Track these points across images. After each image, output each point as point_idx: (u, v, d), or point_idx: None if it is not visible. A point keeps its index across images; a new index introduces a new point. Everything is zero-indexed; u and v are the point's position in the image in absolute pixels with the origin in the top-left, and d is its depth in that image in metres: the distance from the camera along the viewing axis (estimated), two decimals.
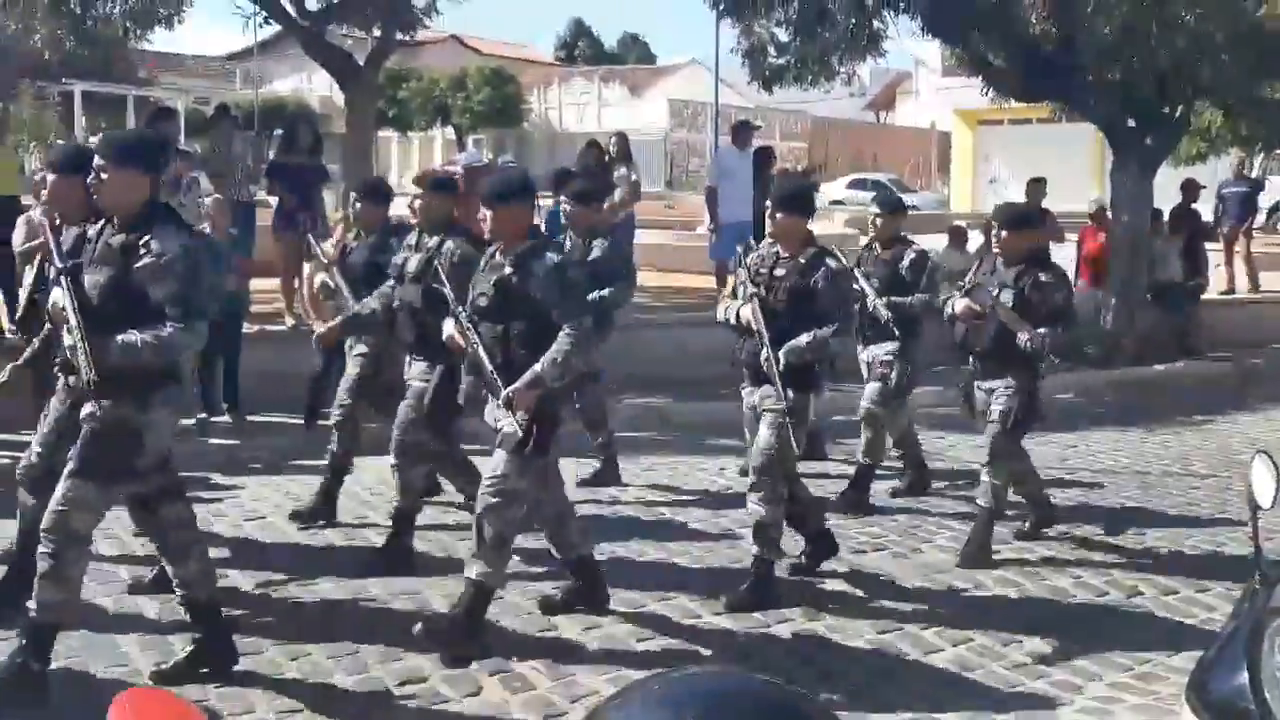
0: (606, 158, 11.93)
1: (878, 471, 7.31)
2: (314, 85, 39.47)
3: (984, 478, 6.24)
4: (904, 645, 5.08)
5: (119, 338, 4.17)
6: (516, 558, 5.38)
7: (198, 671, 4.52)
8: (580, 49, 61.67)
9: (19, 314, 5.74)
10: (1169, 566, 6.19)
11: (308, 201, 10.71)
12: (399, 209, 7.12)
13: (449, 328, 5.09)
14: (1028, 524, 6.61)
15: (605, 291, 6.93)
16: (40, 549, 4.30)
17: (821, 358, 5.46)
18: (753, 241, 6.14)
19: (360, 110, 13.54)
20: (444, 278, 5.25)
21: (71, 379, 4.44)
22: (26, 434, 5.49)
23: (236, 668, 4.61)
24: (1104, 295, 12.84)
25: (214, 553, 6.07)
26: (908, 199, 33.25)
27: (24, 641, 4.32)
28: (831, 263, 5.52)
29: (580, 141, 14.44)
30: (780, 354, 5.31)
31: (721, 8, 13.28)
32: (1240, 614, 3.20)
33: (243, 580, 5.65)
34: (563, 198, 7.58)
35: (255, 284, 9.28)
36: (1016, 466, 6.36)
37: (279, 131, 12.61)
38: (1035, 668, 4.88)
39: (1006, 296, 6.15)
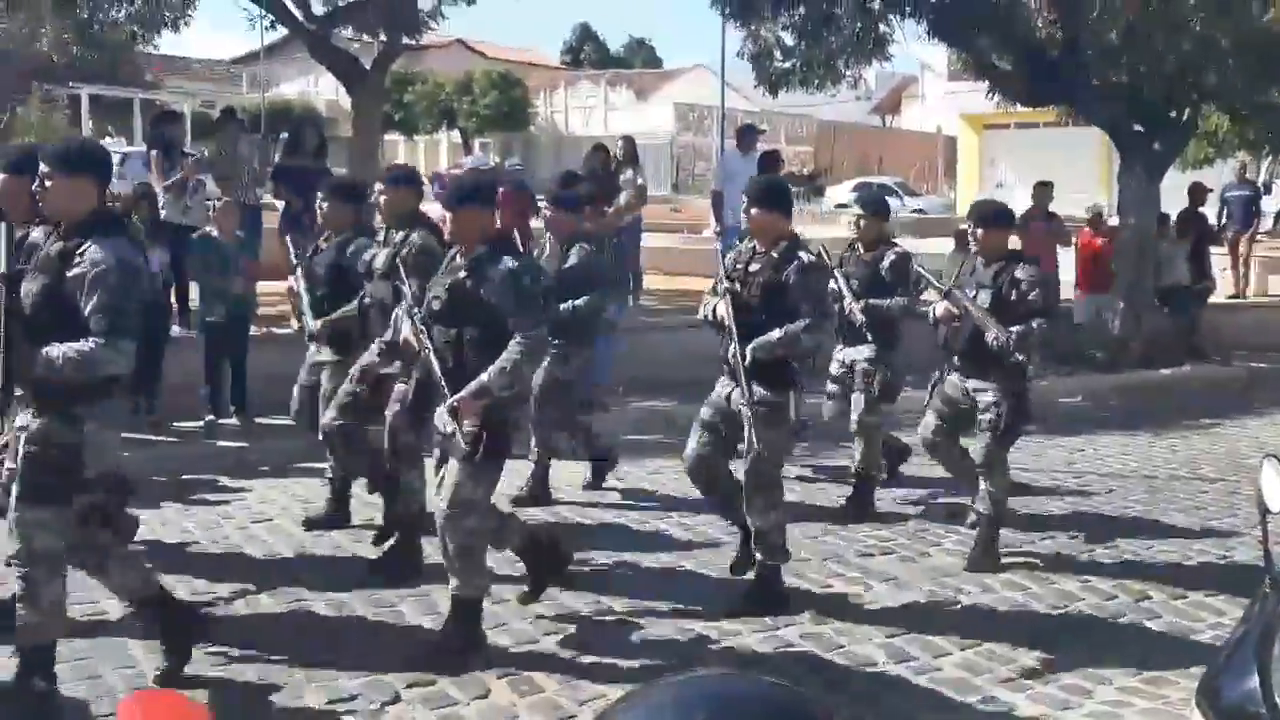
0: (613, 162, 11.95)
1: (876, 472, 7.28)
2: (320, 89, 39.62)
3: (982, 486, 6.23)
4: (912, 649, 5.07)
5: (44, 350, 3.99)
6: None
7: (185, 662, 4.51)
8: (586, 53, 61.76)
9: None
10: (1177, 571, 6.18)
11: (312, 205, 10.69)
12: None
13: (405, 329, 5.02)
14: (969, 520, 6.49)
15: (579, 301, 6.77)
16: (14, 574, 4.19)
17: (794, 354, 5.33)
18: (737, 240, 6.07)
19: (366, 114, 13.57)
20: (403, 275, 5.21)
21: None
22: None
23: (244, 671, 4.60)
24: (1109, 299, 12.84)
25: (221, 554, 6.14)
26: (914, 203, 33.57)
27: (22, 662, 4.22)
28: (805, 256, 5.38)
29: (587, 145, 14.44)
30: (749, 349, 5.21)
31: (727, 12, 13.31)
32: (1250, 618, 3.18)
33: (250, 582, 5.65)
34: (542, 202, 7.42)
35: (262, 287, 9.30)
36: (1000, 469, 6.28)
37: (284, 135, 12.63)
38: (1044, 673, 4.86)
39: (985, 296, 6.12)
